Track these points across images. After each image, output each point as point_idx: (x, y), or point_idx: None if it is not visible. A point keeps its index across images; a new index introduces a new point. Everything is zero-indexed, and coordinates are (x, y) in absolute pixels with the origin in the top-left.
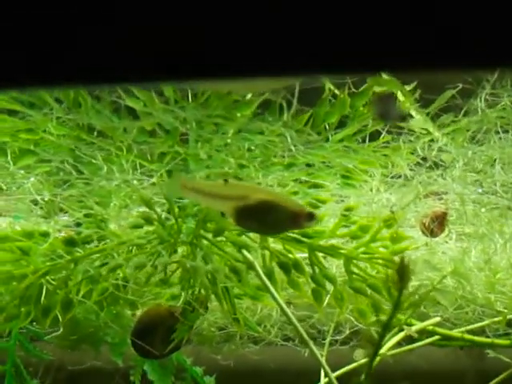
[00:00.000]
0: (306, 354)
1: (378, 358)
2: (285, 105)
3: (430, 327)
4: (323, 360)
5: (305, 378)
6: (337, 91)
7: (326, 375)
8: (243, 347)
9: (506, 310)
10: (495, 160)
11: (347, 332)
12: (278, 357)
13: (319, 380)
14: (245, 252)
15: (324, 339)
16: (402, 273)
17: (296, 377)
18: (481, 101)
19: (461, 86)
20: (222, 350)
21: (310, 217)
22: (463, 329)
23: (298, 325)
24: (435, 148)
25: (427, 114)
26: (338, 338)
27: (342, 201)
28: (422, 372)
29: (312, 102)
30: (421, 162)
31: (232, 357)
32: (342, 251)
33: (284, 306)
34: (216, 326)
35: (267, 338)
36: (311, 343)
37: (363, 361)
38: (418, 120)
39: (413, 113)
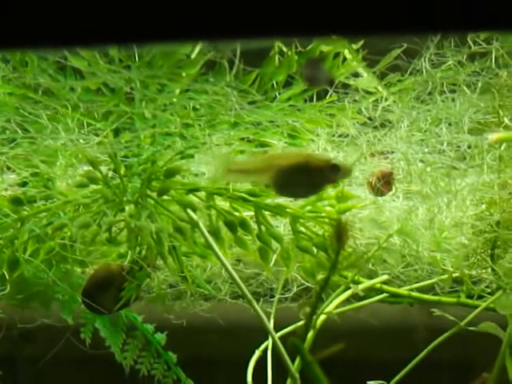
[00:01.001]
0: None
1: (323, 316)
2: (227, 65)
3: (378, 285)
4: (265, 317)
5: (255, 335)
6: (284, 49)
7: (270, 332)
8: (194, 305)
9: (451, 269)
10: (441, 120)
11: (295, 290)
12: (229, 314)
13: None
14: (189, 211)
15: (273, 297)
16: (340, 233)
17: (247, 333)
18: (425, 61)
19: (405, 46)
20: (173, 307)
21: (334, 169)
22: (411, 286)
23: (241, 283)
24: (381, 107)
25: (373, 73)
26: (287, 295)
27: None
28: (372, 328)
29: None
30: (367, 121)
31: (183, 314)
32: (289, 210)
33: (227, 264)
34: (167, 283)
35: (217, 296)
36: (254, 301)
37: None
38: (365, 79)
39: (360, 71)
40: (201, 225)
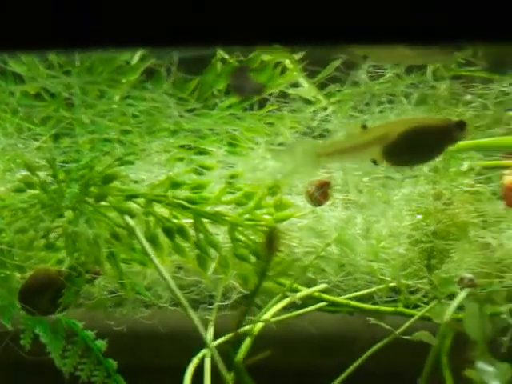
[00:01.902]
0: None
1: (260, 324)
2: (168, 72)
3: (317, 293)
4: (201, 324)
5: (196, 342)
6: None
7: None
8: (135, 311)
9: (387, 278)
10: None
11: (235, 297)
12: (169, 321)
13: None
14: (126, 217)
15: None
16: (271, 240)
17: (187, 340)
18: (364, 73)
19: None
20: (114, 314)
21: (461, 126)
22: (350, 295)
23: (177, 290)
24: (321, 117)
25: (313, 84)
26: (227, 303)
27: (231, 167)
28: (311, 337)
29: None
30: (307, 130)
31: (124, 321)
32: (227, 218)
33: (163, 270)
34: (107, 290)
35: (157, 303)
36: (189, 308)
37: (247, 327)
38: (305, 89)
39: (301, 81)
40: (137, 231)
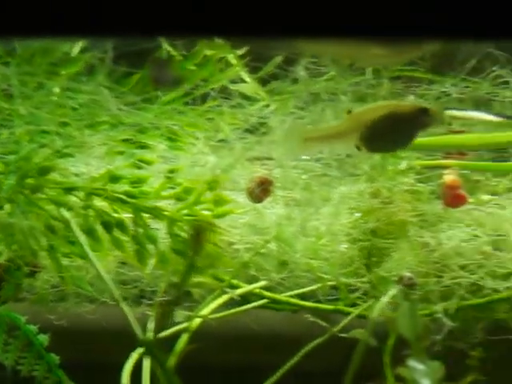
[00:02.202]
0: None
1: (199, 320)
2: (111, 65)
3: (257, 290)
4: (134, 320)
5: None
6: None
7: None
8: (79, 306)
9: (327, 276)
10: None
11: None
12: (113, 316)
13: None
14: (62, 210)
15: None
16: (198, 235)
17: (129, 335)
18: (303, 70)
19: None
20: (56, 308)
21: (426, 112)
22: (292, 293)
23: (112, 284)
24: (262, 113)
25: (256, 80)
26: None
27: (172, 162)
28: (254, 334)
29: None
30: (251, 127)
31: (67, 315)
32: (166, 213)
33: (98, 265)
34: (50, 284)
35: (99, 298)
36: (123, 303)
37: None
38: (247, 85)
39: (244, 77)
40: (73, 224)
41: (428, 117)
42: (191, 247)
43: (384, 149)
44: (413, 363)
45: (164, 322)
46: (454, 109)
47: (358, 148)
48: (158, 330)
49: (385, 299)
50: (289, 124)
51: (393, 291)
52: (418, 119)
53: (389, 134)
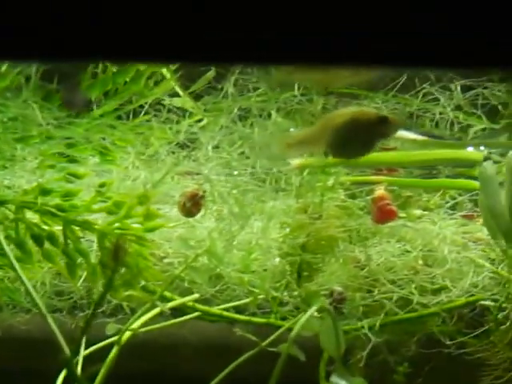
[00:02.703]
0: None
1: (128, 333)
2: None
3: (191, 303)
4: (58, 332)
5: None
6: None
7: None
8: (14, 316)
9: (256, 290)
10: (252, 143)
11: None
12: (47, 327)
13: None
14: None
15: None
16: (117, 250)
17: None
18: (231, 86)
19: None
20: None
21: (382, 122)
22: (226, 306)
23: (36, 296)
24: (195, 128)
25: (189, 94)
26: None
27: (103, 176)
28: (189, 345)
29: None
30: (186, 142)
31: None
32: (97, 226)
33: (24, 277)
34: None
35: (33, 309)
36: (48, 316)
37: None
38: (180, 99)
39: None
40: (1, 236)
41: (387, 126)
42: (110, 262)
43: (346, 155)
44: (335, 379)
45: (82, 334)
46: None
47: (326, 154)
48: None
49: (308, 313)
50: (270, 131)
51: (316, 306)
52: (377, 128)
53: (350, 140)
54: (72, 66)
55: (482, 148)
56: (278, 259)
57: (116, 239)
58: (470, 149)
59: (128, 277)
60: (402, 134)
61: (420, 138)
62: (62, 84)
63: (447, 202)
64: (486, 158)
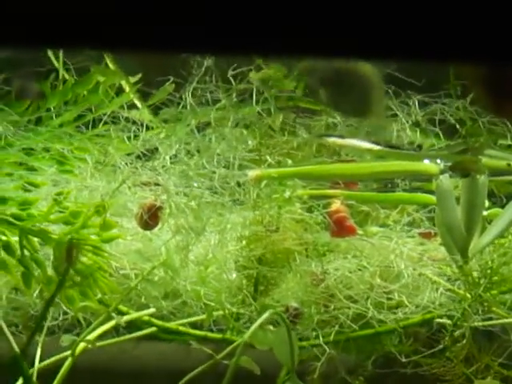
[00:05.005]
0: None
1: (82, 345)
2: None
3: (146, 318)
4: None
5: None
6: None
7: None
8: None
9: (213, 304)
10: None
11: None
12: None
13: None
14: None
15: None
16: (69, 252)
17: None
18: (188, 95)
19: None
20: None
21: None
22: (183, 321)
23: None
24: (153, 139)
25: (148, 106)
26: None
27: (62, 185)
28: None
29: None
30: (145, 153)
31: None
32: (53, 236)
33: None
34: None
35: None
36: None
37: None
38: (139, 111)
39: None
40: None
41: None
42: (60, 268)
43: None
44: None
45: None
46: (336, 136)
47: None
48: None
49: (258, 322)
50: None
51: (264, 317)
52: None
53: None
54: (24, 54)
55: (438, 161)
56: (234, 274)
57: (68, 241)
58: (427, 161)
59: (84, 287)
60: (357, 142)
61: (375, 147)
62: (14, 73)
63: (406, 217)
64: (442, 172)
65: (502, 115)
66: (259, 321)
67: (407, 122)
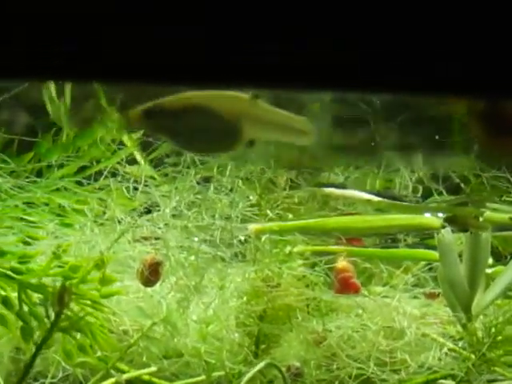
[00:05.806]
0: None
1: None
2: None
3: (147, 377)
4: None
5: None
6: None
7: None
8: None
9: (213, 361)
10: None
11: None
12: None
13: None
14: None
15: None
16: (62, 295)
17: None
18: None
19: None
20: None
21: None
22: (186, 381)
23: None
24: (153, 193)
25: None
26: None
27: (62, 239)
28: None
29: None
30: (148, 208)
31: None
32: (52, 290)
33: None
34: None
35: None
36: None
37: None
38: (140, 166)
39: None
40: None
41: None
42: (56, 303)
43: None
44: None
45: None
46: (334, 187)
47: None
48: None
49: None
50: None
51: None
52: None
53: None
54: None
55: (440, 214)
56: (236, 334)
57: (61, 283)
58: (428, 215)
59: (82, 341)
60: (356, 193)
61: (375, 198)
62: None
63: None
64: (444, 226)
65: (498, 151)
66: (252, 371)
67: (411, 179)
